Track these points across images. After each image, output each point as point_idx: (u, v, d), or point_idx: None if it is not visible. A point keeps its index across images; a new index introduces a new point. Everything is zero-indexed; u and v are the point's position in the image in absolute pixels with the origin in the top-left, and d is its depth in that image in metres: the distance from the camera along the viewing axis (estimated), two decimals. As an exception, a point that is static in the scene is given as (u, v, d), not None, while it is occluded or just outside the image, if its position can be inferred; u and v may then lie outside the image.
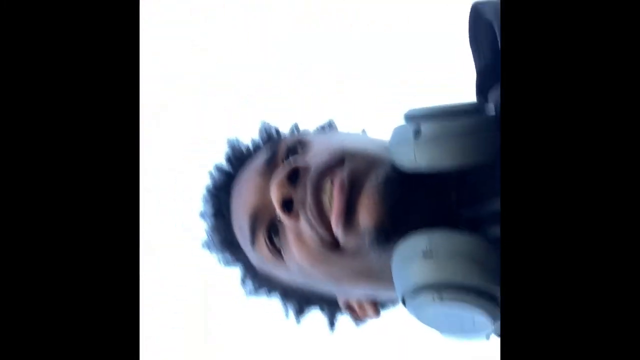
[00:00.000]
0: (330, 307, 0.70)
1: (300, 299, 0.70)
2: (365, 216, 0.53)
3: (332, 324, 0.72)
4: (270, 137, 0.73)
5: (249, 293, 0.74)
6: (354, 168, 0.55)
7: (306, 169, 0.57)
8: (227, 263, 0.74)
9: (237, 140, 0.74)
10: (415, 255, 0.50)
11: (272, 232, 0.61)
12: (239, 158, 0.72)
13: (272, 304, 0.73)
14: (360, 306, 0.66)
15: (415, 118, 0.52)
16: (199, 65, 1.54)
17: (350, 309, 0.67)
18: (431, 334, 0.55)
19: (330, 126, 0.74)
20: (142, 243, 0.42)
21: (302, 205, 0.55)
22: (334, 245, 0.55)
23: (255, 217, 0.62)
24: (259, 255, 0.63)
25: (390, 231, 0.52)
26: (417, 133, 0.50)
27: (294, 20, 1.54)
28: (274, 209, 0.59)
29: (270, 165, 0.62)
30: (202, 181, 0.75)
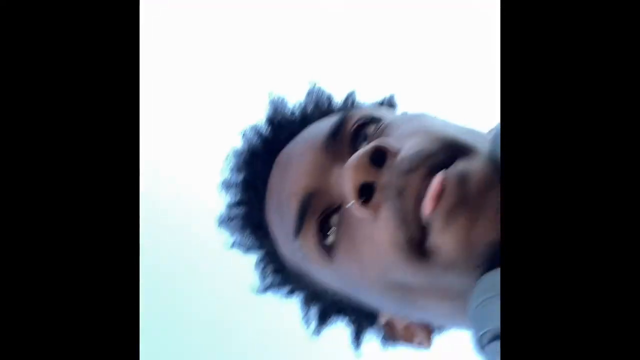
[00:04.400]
0: (364, 320, 0.57)
1: (329, 306, 0.57)
2: (490, 230, 0.42)
3: (359, 340, 0.59)
4: (319, 104, 0.60)
5: (264, 289, 0.60)
6: (468, 167, 0.43)
7: (394, 153, 0.45)
8: (246, 248, 0.60)
9: (282, 100, 0.60)
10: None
11: (327, 224, 0.49)
12: (282, 122, 0.59)
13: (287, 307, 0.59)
14: (408, 329, 0.54)
15: None
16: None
17: (391, 328, 0.55)
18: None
19: (390, 103, 0.61)
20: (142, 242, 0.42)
21: (389, 191, 0.44)
22: (421, 247, 0.44)
23: (308, 203, 0.49)
24: (300, 250, 0.51)
25: None
26: None
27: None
28: (334, 196, 0.48)
29: (336, 141, 0.50)
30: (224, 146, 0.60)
